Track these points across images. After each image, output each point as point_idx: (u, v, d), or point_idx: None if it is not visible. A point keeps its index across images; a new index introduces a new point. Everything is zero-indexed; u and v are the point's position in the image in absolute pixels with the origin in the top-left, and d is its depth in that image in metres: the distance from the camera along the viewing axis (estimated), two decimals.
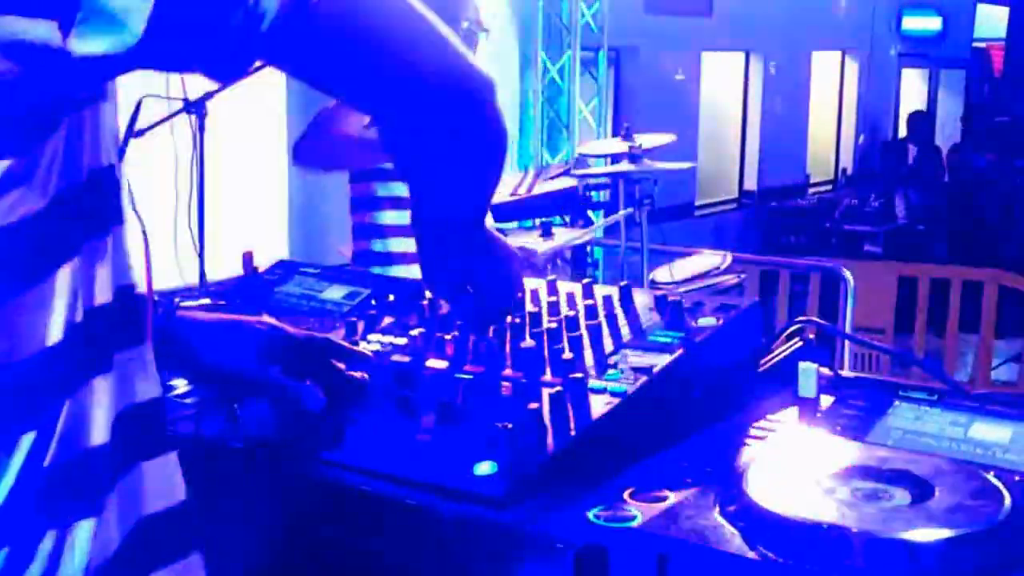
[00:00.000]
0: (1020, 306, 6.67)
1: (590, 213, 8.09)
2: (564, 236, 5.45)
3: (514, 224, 6.21)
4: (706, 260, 5.40)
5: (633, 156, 4.68)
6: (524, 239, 5.08)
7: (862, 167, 11.85)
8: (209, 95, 4.05)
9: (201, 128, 4.14)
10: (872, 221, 10.19)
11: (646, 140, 5.00)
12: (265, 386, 1.57)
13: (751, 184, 11.25)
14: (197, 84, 3.88)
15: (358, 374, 1.63)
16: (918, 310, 6.86)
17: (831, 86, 12.44)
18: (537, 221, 5.99)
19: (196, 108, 4.08)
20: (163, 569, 1.11)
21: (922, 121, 11.37)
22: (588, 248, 7.36)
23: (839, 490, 1.30)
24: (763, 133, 11.12)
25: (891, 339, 6.92)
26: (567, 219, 7.39)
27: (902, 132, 11.75)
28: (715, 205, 10.91)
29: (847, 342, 5.34)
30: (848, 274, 5.89)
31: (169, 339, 1.44)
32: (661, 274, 5.24)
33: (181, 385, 1.66)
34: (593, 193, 8.10)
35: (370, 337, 1.84)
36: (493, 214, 5.71)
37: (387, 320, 1.91)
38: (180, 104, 4.05)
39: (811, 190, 11.74)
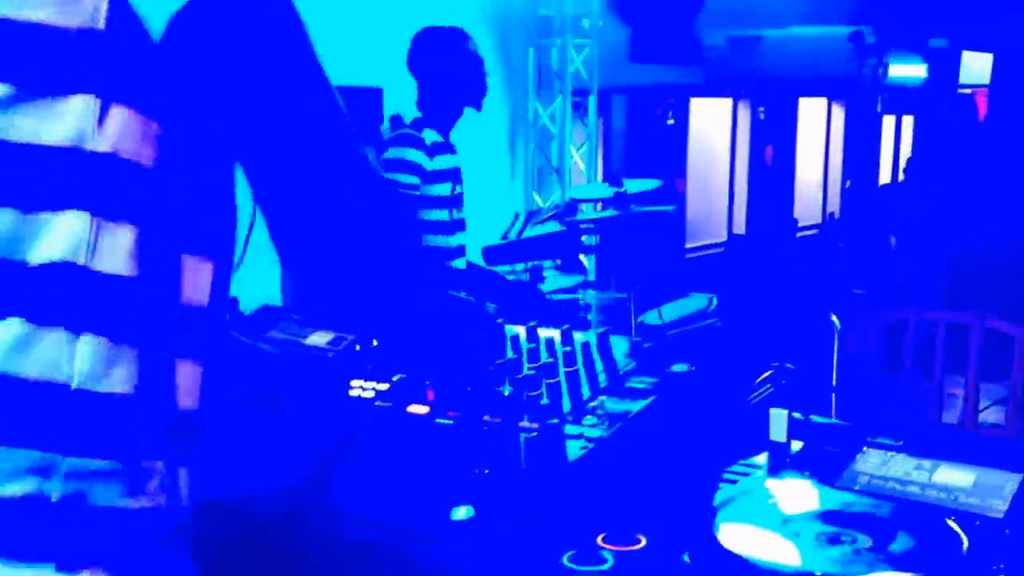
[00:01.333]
0: (1007, 348, 6.70)
1: (581, 257, 8.15)
2: (554, 280, 5.50)
3: (506, 268, 6.26)
4: (694, 303, 5.45)
5: (619, 201, 4.73)
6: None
7: (848, 211, 11.93)
8: None
9: None
10: (859, 265, 10.25)
11: (632, 186, 5.06)
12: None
13: (740, 228, 11.33)
14: None
15: None
16: (905, 352, 6.89)
17: (818, 131, 12.56)
18: (528, 265, 6.03)
19: None
20: None
21: (907, 165, 11.47)
22: (579, 292, 7.41)
23: (804, 534, 1.33)
24: (751, 177, 11.22)
25: (879, 382, 6.93)
26: (558, 263, 7.44)
27: (885, 178, 11.86)
28: (704, 249, 10.97)
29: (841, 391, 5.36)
30: (834, 317, 5.93)
31: None
32: (649, 317, 5.27)
33: None
34: (584, 237, 8.17)
35: (353, 383, 1.87)
36: (485, 257, 5.76)
37: (370, 366, 1.95)
38: None
39: (799, 234, 11.82)
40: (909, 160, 11.66)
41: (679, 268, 9.95)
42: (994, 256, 11.46)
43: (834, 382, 5.40)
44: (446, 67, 3.87)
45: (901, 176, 11.54)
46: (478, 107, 3.97)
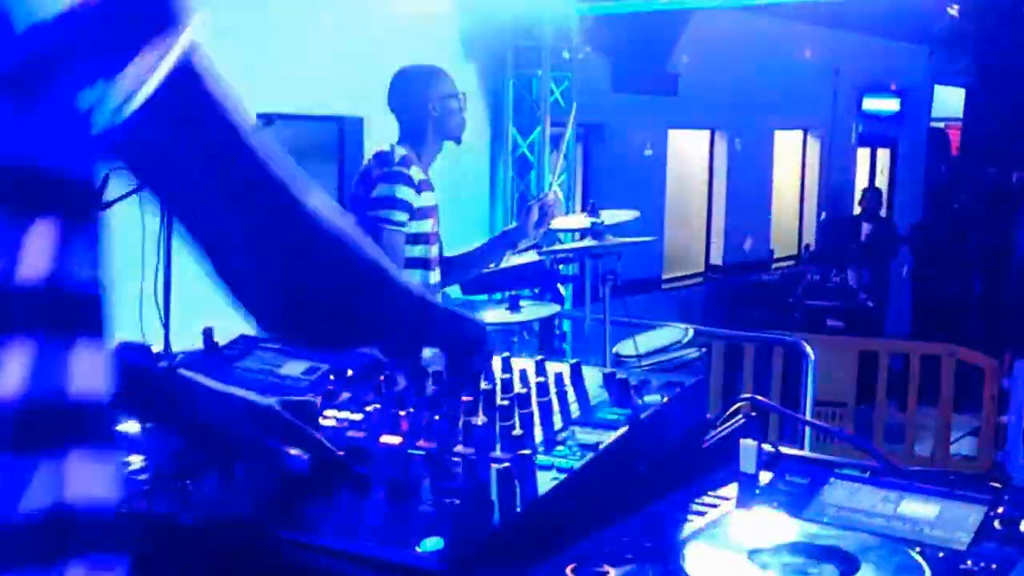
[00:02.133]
0: (979, 381, 6.76)
1: (559, 287, 8.19)
2: (532, 310, 5.51)
3: (483, 297, 6.28)
4: (669, 334, 5.48)
5: (596, 231, 4.76)
6: (493, 312, 5.14)
7: (823, 243, 12.04)
8: None
9: None
10: (834, 296, 10.34)
11: (610, 216, 5.09)
12: (255, 449, 1.61)
13: (717, 259, 11.39)
14: None
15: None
16: (878, 384, 6.95)
17: (793, 163, 12.66)
18: (506, 294, 6.05)
19: None
20: None
21: (874, 198, 11.57)
22: (556, 321, 7.44)
23: (771, 566, 1.35)
24: (728, 209, 11.29)
25: (852, 413, 6.99)
26: (536, 292, 7.46)
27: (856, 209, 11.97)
28: (681, 279, 11.03)
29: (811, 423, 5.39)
30: (809, 348, 5.97)
31: (170, 395, 1.50)
32: (625, 347, 5.30)
33: (136, 461, 1.69)
34: (561, 267, 8.20)
35: (327, 413, 1.88)
36: (462, 287, 5.78)
37: (344, 396, 1.96)
38: None
39: (775, 265, 11.90)
40: (864, 191, 11.75)
41: (656, 298, 10.00)
42: (968, 288, 11.57)
43: (807, 413, 5.45)
44: (423, 106, 3.91)
45: (857, 209, 11.63)
46: (458, 141, 4.02)
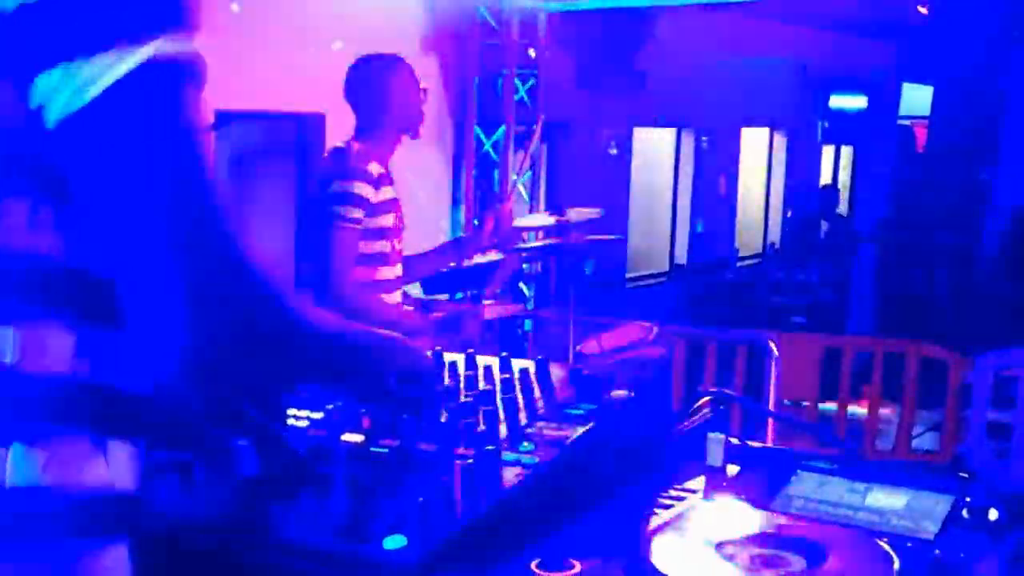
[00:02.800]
0: (941, 375, 6.80)
1: (522, 285, 8.17)
2: (494, 308, 5.50)
3: (444, 296, 6.25)
4: (633, 332, 5.47)
5: (561, 229, 4.75)
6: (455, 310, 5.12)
7: (788, 241, 12.09)
8: None
9: None
10: (797, 293, 10.39)
11: (575, 214, 5.08)
12: (214, 450, 1.59)
13: (682, 257, 11.42)
14: None
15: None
16: (842, 380, 6.98)
17: (760, 161, 12.71)
18: (468, 293, 6.03)
19: None
20: None
21: (831, 196, 11.63)
22: (519, 320, 7.42)
23: (739, 557, 1.34)
24: (694, 207, 11.32)
25: (816, 409, 7.01)
26: (498, 291, 7.45)
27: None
28: (646, 278, 11.04)
29: (777, 416, 5.41)
30: (773, 345, 5.98)
31: None
32: (589, 346, 5.29)
33: None
34: (525, 266, 8.19)
35: (288, 411, 1.85)
36: (424, 286, 5.75)
37: (304, 394, 1.93)
38: None
39: (740, 263, 11.94)
40: (822, 188, 11.81)
41: (621, 296, 10.01)
42: (932, 285, 11.66)
43: (771, 407, 5.46)
44: (381, 95, 3.86)
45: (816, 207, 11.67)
46: (415, 135, 3.96)
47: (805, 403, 6.89)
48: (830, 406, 7.08)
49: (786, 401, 6.34)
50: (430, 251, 4.34)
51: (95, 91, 1.01)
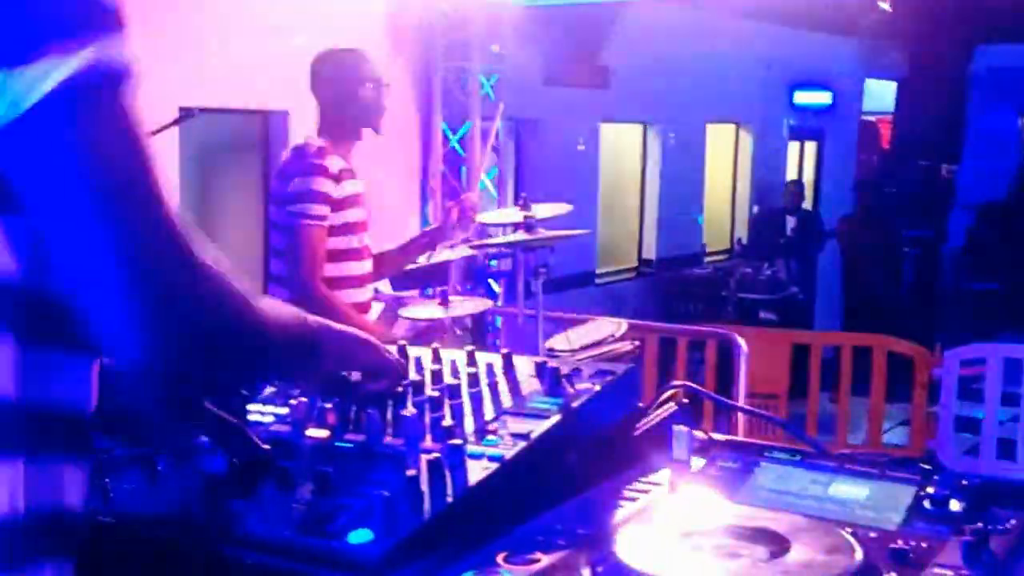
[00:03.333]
0: (909, 371, 6.85)
1: (491, 282, 8.17)
2: (462, 305, 5.47)
3: (414, 292, 6.24)
4: (602, 327, 5.46)
5: (529, 225, 4.74)
6: (423, 307, 5.10)
7: (755, 237, 12.14)
8: None
9: None
10: (765, 289, 10.43)
11: (543, 210, 5.07)
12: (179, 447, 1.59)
13: (650, 253, 11.44)
14: None
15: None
16: (811, 375, 7.02)
17: (726, 157, 12.76)
18: (437, 289, 6.01)
19: None
20: None
21: (796, 191, 11.68)
22: (489, 316, 7.41)
23: (703, 548, 1.34)
24: (661, 203, 11.34)
25: (786, 404, 7.05)
26: (468, 287, 7.44)
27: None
28: (615, 274, 11.07)
29: (741, 408, 5.43)
30: (742, 341, 6.01)
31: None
32: (558, 342, 5.28)
33: None
34: (493, 262, 8.18)
35: (251, 407, 1.84)
36: (393, 282, 5.74)
37: (269, 390, 1.92)
38: None
39: (707, 259, 11.98)
40: (787, 185, 11.88)
41: (589, 293, 10.02)
42: (898, 279, 11.75)
43: (740, 401, 5.48)
44: (343, 89, 3.84)
45: (782, 202, 11.72)
46: (377, 129, 3.94)
47: (774, 398, 6.92)
48: (799, 401, 7.12)
49: (755, 396, 6.36)
50: (397, 248, 4.33)
51: (32, 99, 1.00)
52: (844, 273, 11.26)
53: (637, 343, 5.43)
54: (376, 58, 4.03)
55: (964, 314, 11.04)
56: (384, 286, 5.52)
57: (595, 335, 5.41)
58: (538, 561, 1.35)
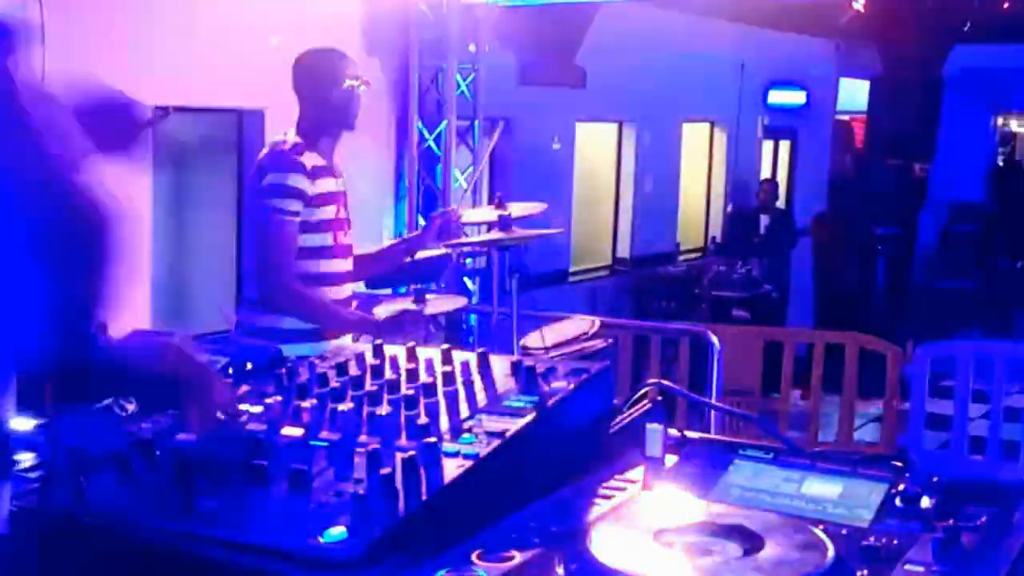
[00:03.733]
0: (881, 368, 6.89)
1: (466, 280, 8.17)
2: (437, 303, 5.47)
3: (388, 291, 6.23)
4: (576, 325, 5.48)
5: (503, 224, 4.74)
6: (397, 305, 5.09)
7: (729, 235, 12.16)
8: None
9: None
10: (739, 287, 10.46)
11: (517, 209, 5.08)
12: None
13: (624, 251, 11.45)
14: None
15: None
16: (783, 372, 7.05)
17: (701, 156, 12.78)
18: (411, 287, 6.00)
19: None
20: None
21: (770, 190, 11.72)
22: (463, 315, 7.41)
23: (676, 545, 1.35)
24: (636, 202, 11.36)
25: (759, 401, 7.08)
26: (443, 285, 7.43)
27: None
28: (589, 272, 11.07)
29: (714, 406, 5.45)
30: (715, 338, 6.03)
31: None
32: (532, 340, 5.29)
33: (27, 458, 1.64)
34: (468, 260, 8.18)
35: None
36: (367, 281, 5.73)
37: (244, 388, 1.92)
38: None
39: (681, 257, 12.00)
40: (761, 184, 11.94)
41: (564, 291, 10.03)
42: (870, 277, 11.82)
43: (713, 398, 5.50)
44: (321, 88, 3.84)
45: (755, 201, 11.78)
46: (351, 127, 3.94)
47: (748, 395, 6.95)
48: (772, 398, 7.16)
49: (729, 393, 6.39)
50: (377, 252, 4.32)
51: None
52: (816, 271, 11.30)
53: (611, 340, 5.45)
54: (352, 56, 4.03)
55: (936, 312, 11.13)
56: (357, 284, 5.50)
57: (569, 333, 5.42)
58: (512, 559, 1.36)
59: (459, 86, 7.82)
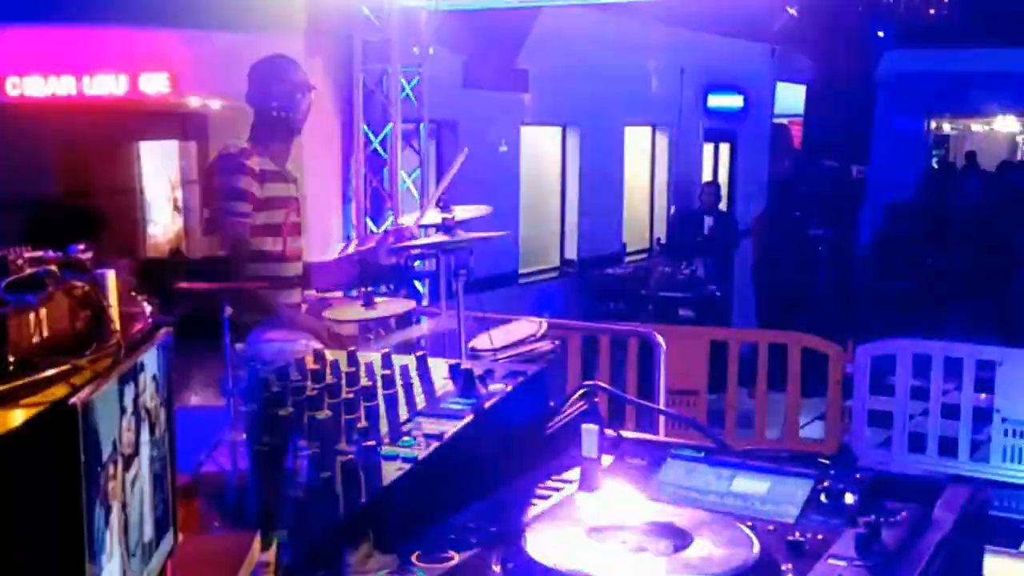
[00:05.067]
0: (823, 366, 6.99)
1: (416, 283, 8.17)
2: (386, 306, 5.47)
3: (338, 294, 6.22)
4: (523, 327, 5.50)
5: (448, 227, 4.77)
6: (347, 308, 5.09)
7: (673, 236, 12.25)
8: None
9: None
10: (684, 288, 10.55)
11: (463, 211, 5.10)
12: None
13: (571, 253, 11.50)
14: None
15: None
16: (729, 372, 7.13)
17: (643, 159, 12.87)
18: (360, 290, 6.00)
19: None
20: None
21: (712, 192, 11.84)
22: (412, 317, 7.41)
23: (609, 543, 1.38)
24: (581, 204, 11.41)
25: (705, 399, 7.15)
26: (391, 288, 7.42)
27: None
28: (537, 274, 11.11)
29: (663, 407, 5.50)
30: (660, 339, 6.07)
31: None
32: (480, 342, 5.31)
33: None
34: (416, 263, 8.17)
35: None
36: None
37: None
38: None
39: (628, 258, 12.07)
40: (703, 186, 12.06)
41: (511, 292, 10.06)
42: (810, 277, 11.97)
43: (660, 402, 5.55)
44: (267, 95, 3.87)
45: (697, 203, 11.89)
46: (297, 131, 3.97)
47: (694, 394, 7.02)
48: (719, 396, 7.24)
49: (676, 392, 6.45)
50: (328, 264, 4.35)
51: None
52: (756, 271, 11.43)
53: (558, 342, 5.48)
54: (295, 60, 4.05)
55: (876, 311, 11.29)
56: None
57: (517, 334, 5.45)
58: (451, 559, 1.39)
59: (404, 89, 7.82)
